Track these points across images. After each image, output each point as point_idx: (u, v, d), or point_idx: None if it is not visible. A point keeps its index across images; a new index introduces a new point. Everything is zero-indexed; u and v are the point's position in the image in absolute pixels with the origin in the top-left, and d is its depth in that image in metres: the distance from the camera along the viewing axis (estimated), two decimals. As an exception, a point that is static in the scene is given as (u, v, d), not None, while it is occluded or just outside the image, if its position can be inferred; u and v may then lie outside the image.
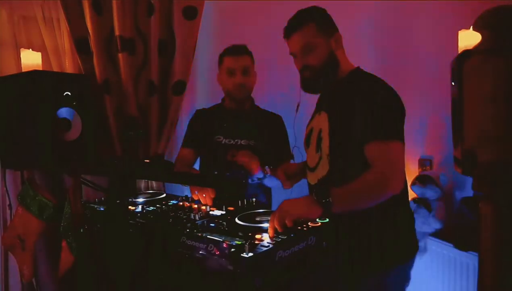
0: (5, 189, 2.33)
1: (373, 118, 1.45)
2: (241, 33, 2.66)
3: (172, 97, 2.51)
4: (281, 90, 2.64)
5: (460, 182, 2.34)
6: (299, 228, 1.37)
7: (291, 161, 2.14)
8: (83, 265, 1.66)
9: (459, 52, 0.94)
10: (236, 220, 1.50)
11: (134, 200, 1.87)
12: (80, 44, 2.32)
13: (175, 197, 1.95)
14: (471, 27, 0.84)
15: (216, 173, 2.07)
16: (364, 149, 1.46)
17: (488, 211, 0.79)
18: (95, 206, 1.77)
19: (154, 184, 2.51)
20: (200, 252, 1.26)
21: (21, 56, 2.26)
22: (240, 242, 1.23)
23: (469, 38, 1.88)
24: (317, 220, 1.43)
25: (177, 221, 1.51)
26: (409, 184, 2.40)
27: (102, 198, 1.90)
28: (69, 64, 2.48)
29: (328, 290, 1.45)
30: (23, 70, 2.22)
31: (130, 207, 1.69)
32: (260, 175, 1.86)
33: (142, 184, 2.53)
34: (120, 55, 2.37)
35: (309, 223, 1.41)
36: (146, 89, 2.48)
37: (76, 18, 2.30)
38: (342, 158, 1.53)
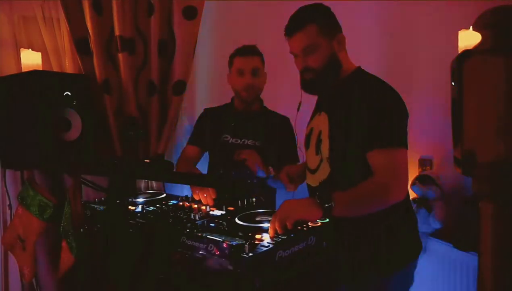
0: (5, 189, 2.33)
1: (377, 125, 1.41)
2: (241, 33, 2.66)
3: (172, 97, 2.51)
4: (282, 89, 2.64)
5: (460, 182, 2.34)
6: (299, 228, 1.37)
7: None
8: (83, 265, 1.66)
9: (459, 52, 0.94)
10: (236, 220, 1.50)
11: (134, 200, 1.87)
12: (80, 44, 2.32)
13: (175, 197, 1.95)
14: (471, 27, 0.84)
15: (221, 172, 2.08)
16: (367, 155, 1.43)
17: (488, 211, 0.79)
18: (95, 206, 1.77)
19: (154, 184, 2.51)
20: (200, 252, 1.26)
21: (21, 56, 2.26)
22: (240, 242, 1.23)
23: (469, 38, 1.89)
24: (317, 220, 1.43)
25: (177, 221, 1.51)
26: (409, 184, 2.39)
27: (102, 198, 1.90)
28: (69, 64, 2.48)
29: (328, 290, 1.45)
30: (23, 70, 2.22)
31: (130, 207, 1.69)
32: (263, 175, 1.86)
33: (142, 184, 2.53)
34: (120, 55, 2.37)
35: (309, 223, 1.41)
36: (146, 89, 2.48)
37: (76, 18, 2.30)
38: (343, 161, 1.50)
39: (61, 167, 2.12)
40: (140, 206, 1.73)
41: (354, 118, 1.46)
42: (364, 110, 1.44)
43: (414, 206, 2.39)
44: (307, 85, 1.61)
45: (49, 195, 2.05)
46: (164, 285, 1.37)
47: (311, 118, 1.74)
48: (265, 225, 1.41)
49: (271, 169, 1.87)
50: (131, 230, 1.51)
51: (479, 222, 0.81)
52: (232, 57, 2.14)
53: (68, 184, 2.11)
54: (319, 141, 1.58)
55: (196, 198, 1.83)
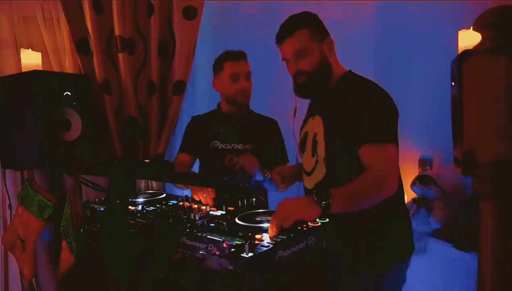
0: (5, 189, 2.33)
1: (367, 122, 1.47)
2: (241, 33, 2.67)
3: (172, 97, 2.51)
4: (282, 91, 2.64)
5: (460, 182, 2.34)
6: (299, 228, 1.37)
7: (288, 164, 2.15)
8: (83, 265, 1.66)
9: (459, 52, 0.94)
10: (236, 220, 1.50)
11: (134, 200, 1.87)
12: (80, 44, 2.32)
13: (175, 197, 1.95)
14: (471, 27, 0.84)
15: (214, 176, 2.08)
16: (359, 151, 1.48)
17: (488, 211, 0.79)
18: (95, 206, 1.77)
19: (154, 184, 2.51)
20: (200, 252, 1.26)
21: (21, 56, 2.26)
22: (240, 242, 1.23)
23: (469, 38, 1.89)
24: (317, 220, 1.43)
25: (177, 221, 1.51)
26: (409, 184, 2.40)
27: (102, 198, 1.90)
28: (69, 64, 2.47)
29: (328, 290, 1.45)
30: (23, 70, 2.22)
31: (130, 207, 1.69)
32: (260, 178, 1.86)
33: (142, 184, 2.53)
34: (120, 55, 2.37)
35: (309, 223, 1.41)
36: (146, 89, 2.48)
37: (76, 18, 2.29)
38: (339, 161, 1.54)
39: (61, 167, 2.12)
40: (140, 206, 1.73)
41: (347, 117, 1.51)
42: (356, 108, 1.50)
43: (414, 206, 2.39)
44: (300, 89, 1.65)
45: (49, 195, 2.05)
46: (164, 285, 1.37)
47: (304, 123, 1.77)
48: (265, 225, 1.41)
49: (268, 171, 1.87)
50: (131, 230, 1.51)
51: (479, 222, 0.82)
52: (221, 61, 2.12)
53: (68, 184, 2.11)
54: (315, 143, 1.62)
55: (196, 198, 1.83)
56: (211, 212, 1.65)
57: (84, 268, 1.67)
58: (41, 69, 2.26)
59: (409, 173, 2.49)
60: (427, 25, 2.46)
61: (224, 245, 1.21)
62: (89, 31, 2.31)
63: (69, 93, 2.13)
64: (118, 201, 1.51)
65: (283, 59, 1.64)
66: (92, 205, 1.80)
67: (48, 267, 2.41)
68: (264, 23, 2.70)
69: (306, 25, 1.58)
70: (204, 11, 2.47)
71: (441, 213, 2.32)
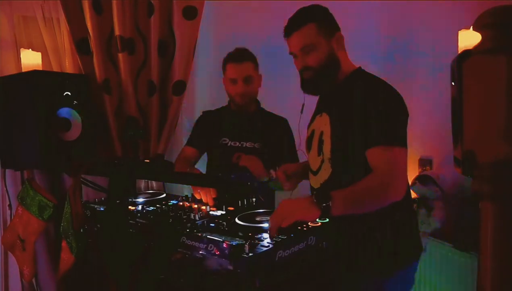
0: (5, 189, 2.33)
1: (377, 123, 1.42)
2: (241, 33, 2.67)
3: (172, 97, 2.51)
4: (283, 91, 2.64)
5: (460, 182, 2.34)
6: (299, 228, 1.37)
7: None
8: (83, 265, 1.66)
9: (459, 52, 0.94)
10: (236, 220, 1.50)
11: (134, 200, 1.87)
12: (80, 44, 2.32)
13: (175, 197, 1.95)
14: (471, 27, 0.84)
15: (220, 174, 2.09)
16: (367, 153, 1.43)
17: (488, 211, 0.79)
18: (95, 206, 1.77)
19: (154, 184, 2.52)
20: (200, 252, 1.26)
21: (21, 56, 2.26)
22: (240, 242, 1.23)
23: (469, 38, 1.88)
24: (317, 220, 1.43)
25: (177, 221, 1.51)
26: (407, 182, 2.39)
27: (102, 198, 1.90)
28: (69, 64, 2.48)
29: (328, 290, 1.45)
30: (23, 70, 2.22)
31: (130, 207, 1.69)
32: (265, 179, 1.86)
33: (142, 184, 2.53)
34: (120, 55, 2.37)
35: (309, 223, 1.41)
36: (146, 89, 2.48)
37: (76, 18, 2.30)
38: (345, 161, 1.50)
39: (61, 167, 2.12)
40: (140, 206, 1.73)
41: (356, 117, 1.46)
42: (366, 109, 1.44)
43: (414, 206, 2.39)
44: (306, 85, 1.61)
45: (49, 195, 2.05)
46: (164, 285, 1.37)
47: (312, 120, 1.73)
48: (265, 225, 1.41)
49: (272, 171, 1.87)
50: (131, 230, 1.51)
51: (479, 222, 0.81)
52: (225, 62, 2.13)
53: (68, 184, 2.11)
54: (321, 142, 1.58)
55: (198, 197, 1.83)
56: (211, 212, 1.65)
57: (84, 268, 1.67)
58: (41, 69, 2.26)
59: (409, 173, 2.49)
60: (427, 25, 2.46)
61: (224, 245, 1.21)
62: (89, 31, 2.31)
63: (69, 93, 2.13)
64: (118, 201, 1.51)
65: (291, 53, 1.59)
66: (92, 205, 1.80)
67: (48, 267, 2.41)
68: (265, 23, 2.70)
69: (314, 19, 1.52)
70: (204, 11, 2.47)
71: (441, 213, 2.32)
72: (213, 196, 1.81)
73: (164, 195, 2.01)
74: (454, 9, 2.26)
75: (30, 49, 2.29)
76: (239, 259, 1.16)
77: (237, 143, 2.14)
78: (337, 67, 1.57)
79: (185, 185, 2.51)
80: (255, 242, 1.25)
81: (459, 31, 1.94)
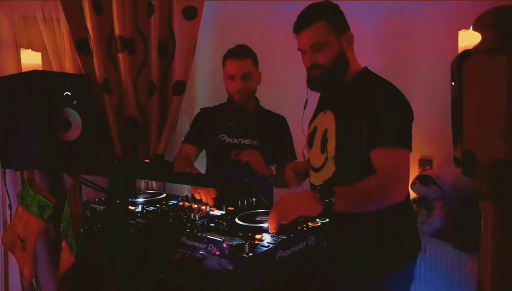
0: (5, 189, 2.33)
1: (383, 124, 1.42)
2: (241, 33, 2.66)
3: (172, 97, 2.51)
4: (283, 89, 2.64)
5: (460, 182, 2.34)
6: (299, 228, 1.37)
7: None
8: (83, 265, 1.66)
9: (459, 52, 0.94)
10: (236, 220, 1.50)
11: (134, 200, 1.87)
12: (80, 44, 2.32)
13: (175, 197, 1.95)
14: (471, 27, 0.84)
15: (219, 171, 2.09)
16: (371, 153, 1.43)
17: (488, 211, 0.79)
18: (95, 206, 1.77)
19: (154, 184, 2.51)
20: (200, 252, 1.26)
21: (21, 56, 2.26)
22: (240, 242, 1.23)
23: (469, 38, 1.89)
24: (317, 220, 1.43)
25: (177, 221, 1.51)
26: (409, 184, 2.39)
27: (102, 198, 1.90)
28: (69, 64, 2.48)
29: (328, 290, 1.45)
30: (23, 70, 2.22)
31: (130, 207, 1.69)
32: (265, 174, 1.86)
33: (142, 184, 2.53)
34: (120, 55, 2.37)
35: (309, 223, 1.41)
36: (146, 89, 2.48)
37: (76, 18, 2.30)
38: (349, 160, 1.50)
39: (61, 167, 2.12)
40: (140, 206, 1.73)
41: (362, 117, 1.46)
42: (373, 110, 1.44)
43: (414, 206, 2.39)
44: (314, 82, 1.59)
45: (49, 195, 2.05)
46: (164, 285, 1.37)
47: (314, 117, 1.72)
48: (265, 225, 1.41)
49: (273, 167, 1.87)
50: (131, 230, 1.51)
51: (479, 222, 0.82)
52: (224, 58, 2.13)
53: (68, 184, 2.11)
54: (325, 139, 1.57)
55: (197, 197, 1.83)
56: (211, 212, 1.65)
57: (84, 268, 1.67)
58: (41, 69, 2.27)
59: (409, 173, 2.49)
60: (427, 25, 2.46)
61: (224, 245, 1.21)
62: (89, 31, 2.31)
63: (69, 93, 2.13)
64: (118, 201, 1.51)
65: (299, 49, 1.58)
66: (92, 205, 1.80)
67: (48, 267, 2.41)
68: (265, 23, 2.70)
69: (326, 16, 1.51)
70: (204, 11, 2.48)
71: (441, 213, 2.32)
72: (213, 196, 1.81)
73: (164, 195, 2.01)
74: (454, 9, 2.26)
75: (30, 49, 2.29)
76: (239, 259, 1.16)
77: (235, 140, 2.14)
78: (346, 66, 1.56)
79: (185, 185, 2.51)
80: (255, 242, 1.25)
81: (459, 31, 1.94)
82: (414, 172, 2.51)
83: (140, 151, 2.50)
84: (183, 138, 2.33)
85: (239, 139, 2.14)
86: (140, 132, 2.45)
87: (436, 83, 2.12)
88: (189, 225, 1.45)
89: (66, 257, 1.69)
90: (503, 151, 0.76)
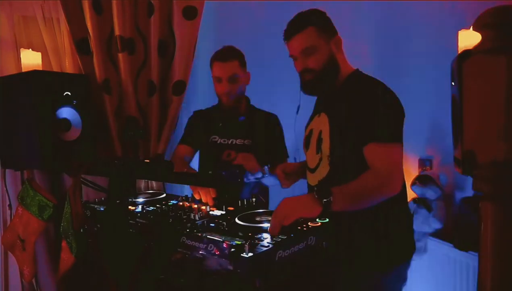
0: (5, 189, 2.33)
1: (373, 120, 1.46)
2: (241, 33, 2.67)
3: (172, 97, 2.51)
4: (281, 91, 2.64)
5: (460, 182, 2.35)
6: (299, 228, 1.37)
7: (287, 160, 2.16)
8: (83, 265, 1.66)
9: (459, 52, 0.94)
10: (236, 220, 1.50)
11: (134, 200, 1.87)
12: (80, 44, 2.32)
13: (175, 197, 1.95)
14: (471, 27, 0.84)
15: (210, 172, 2.08)
16: (364, 149, 1.47)
17: (488, 211, 0.79)
18: (95, 206, 1.77)
19: (154, 184, 2.51)
20: (200, 252, 1.26)
21: (21, 56, 2.26)
22: (240, 242, 1.23)
23: (469, 38, 1.88)
24: (317, 220, 1.43)
25: (177, 221, 1.51)
26: (409, 184, 2.40)
27: (102, 198, 1.90)
28: (69, 64, 2.47)
29: (328, 290, 1.45)
30: (23, 70, 2.22)
31: (130, 207, 1.69)
32: (259, 175, 1.86)
33: (142, 184, 2.53)
34: (120, 55, 2.37)
35: (309, 223, 1.41)
36: (146, 89, 2.48)
37: (76, 18, 2.29)
38: (343, 159, 1.54)
39: (61, 167, 2.12)
40: (140, 206, 1.73)
41: (354, 116, 1.50)
42: (363, 107, 1.49)
43: (414, 206, 2.39)
44: (307, 86, 1.64)
45: (49, 195, 2.05)
46: (164, 285, 1.37)
47: (310, 120, 1.77)
48: (265, 225, 1.41)
49: (265, 167, 1.87)
50: (131, 230, 1.51)
51: (479, 222, 0.82)
52: (211, 61, 2.13)
53: (68, 184, 2.11)
54: (319, 140, 1.61)
55: (197, 197, 1.83)
56: (211, 212, 1.65)
57: (84, 268, 1.67)
58: (41, 69, 2.26)
59: (409, 173, 2.49)
60: (427, 25, 2.46)
61: (224, 245, 1.21)
62: (89, 31, 2.31)
63: (69, 93, 2.13)
64: (118, 201, 1.51)
65: (291, 56, 1.64)
66: (92, 205, 1.80)
67: (48, 267, 2.41)
68: (264, 23, 2.71)
69: (314, 22, 1.58)
70: (204, 11, 2.47)
71: (441, 213, 2.32)
72: (213, 196, 1.81)
73: (164, 195, 2.01)
74: (454, 9, 2.26)
75: (30, 49, 2.28)
76: (239, 259, 1.16)
77: (227, 140, 2.15)
78: (337, 69, 1.61)
79: (185, 185, 2.51)
80: (255, 242, 1.25)
81: (459, 31, 1.94)
82: (414, 172, 2.51)
83: (140, 151, 2.50)
84: (181, 137, 2.34)
85: (231, 140, 2.14)
86: (140, 132, 2.45)
87: (435, 83, 2.12)
88: (189, 225, 1.45)
89: (66, 257, 1.69)
90: (503, 151, 0.76)
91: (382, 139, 1.45)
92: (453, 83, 0.86)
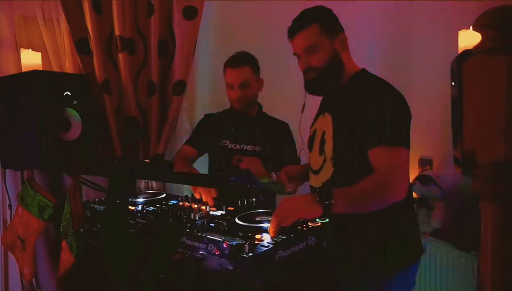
0: (5, 189, 2.33)
1: (380, 123, 1.42)
2: (241, 33, 2.67)
3: (172, 97, 2.51)
4: (283, 91, 2.64)
5: (460, 182, 2.34)
6: (299, 228, 1.37)
7: None
8: (83, 265, 1.66)
9: (459, 52, 0.94)
10: (236, 220, 1.50)
11: (134, 200, 1.87)
12: (80, 44, 2.32)
13: (175, 197, 1.95)
14: (471, 27, 0.84)
15: (219, 174, 2.09)
16: (369, 153, 1.43)
17: (488, 211, 0.79)
18: (95, 206, 1.77)
19: (154, 184, 2.52)
20: (200, 252, 1.26)
21: (21, 56, 2.26)
22: (240, 242, 1.23)
23: (469, 38, 1.89)
24: (317, 220, 1.43)
25: (177, 221, 1.51)
26: (409, 183, 2.39)
27: (102, 198, 1.90)
28: (69, 64, 2.48)
29: (328, 290, 1.45)
30: (23, 70, 2.22)
31: (130, 207, 1.69)
32: (266, 181, 1.85)
33: (142, 184, 2.53)
34: (120, 55, 2.37)
35: (309, 223, 1.41)
36: (146, 89, 2.48)
37: (76, 18, 2.30)
38: (346, 161, 1.51)
39: (61, 167, 2.12)
40: (140, 206, 1.73)
41: (359, 117, 1.46)
42: (369, 109, 1.45)
43: (414, 206, 2.39)
44: (310, 85, 1.61)
45: (49, 195, 2.05)
46: (164, 285, 1.37)
47: (314, 120, 1.74)
48: (265, 225, 1.41)
49: (273, 173, 1.86)
50: (131, 230, 1.51)
51: (479, 222, 0.81)
52: (224, 67, 2.14)
53: (68, 184, 2.11)
54: (322, 141, 1.59)
55: (198, 196, 1.83)
56: (211, 212, 1.65)
57: (84, 268, 1.67)
58: (41, 69, 2.26)
59: (409, 173, 2.49)
60: (427, 25, 2.46)
61: (224, 245, 1.21)
62: (89, 31, 2.31)
63: (69, 93, 2.14)
64: (118, 201, 1.51)
65: (294, 54, 1.61)
66: (92, 205, 1.80)
67: (48, 267, 2.41)
68: (264, 23, 2.70)
69: (317, 19, 1.54)
70: (204, 11, 2.48)
71: (441, 213, 2.32)
72: (214, 196, 1.81)
73: (164, 195, 2.01)
74: (454, 9, 2.26)
75: (30, 49, 2.29)
76: (239, 259, 1.16)
77: (238, 146, 2.15)
78: (341, 68, 1.58)
79: (185, 185, 2.51)
80: (255, 242, 1.25)
81: (459, 31, 1.94)
82: (414, 172, 2.51)
83: (140, 151, 2.50)
84: (183, 139, 2.34)
85: (242, 145, 2.15)
86: (140, 132, 2.45)
87: (436, 83, 2.12)
88: (189, 225, 1.45)
89: (66, 257, 1.69)
90: (503, 151, 0.75)
91: (387, 143, 1.41)
92: (453, 83, 0.86)
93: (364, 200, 1.39)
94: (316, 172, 1.63)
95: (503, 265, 0.79)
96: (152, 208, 1.71)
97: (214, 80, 2.42)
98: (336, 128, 1.54)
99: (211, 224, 1.46)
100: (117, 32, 2.35)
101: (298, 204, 1.37)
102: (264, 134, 2.16)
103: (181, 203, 1.78)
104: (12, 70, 2.36)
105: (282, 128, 2.21)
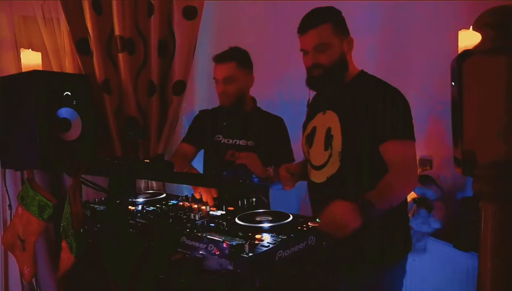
0: (5, 189, 2.33)
1: (391, 118, 1.50)
2: (241, 33, 2.67)
3: (172, 97, 2.51)
4: (281, 89, 2.64)
5: (460, 182, 2.34)
6: (299, 228, 1.37)
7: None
8: (83, 265, 1.66)
9: (459, 52, 0.94)
10: (236, 220, 1.50)
11: (134, 200, 1.87)
12: (80, 44, 2.32)
13: (175, 197, 1.95)
14: (471, 27, 0.84)
15: (213, 172, 2.09)
16: (381, 147, 1.50)
17: (488, 211, 0.79)
18: (95, 206, 1.77)
19: (154, 184, 2.52)
20: (200, 252, 1.26)
21: (21, 56, 2.26)
22: (240, 242, 1.23)
23: (469, 38, 1.89)
24: (317, 219, 1.43)
25: (177, 221, 1.51)
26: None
27: (102, 198, 1.90)
28: (69, 64, 2.47)
29: (328, 290, 1.45)
30: (23, 70, 2.22)
31: (130, 207, 1.69)
32: (262, 176, 1.86)
33: (142, 184, 2.53)
34: (120, 55, 2.37)
35: (309, 223, 1.41)
36: (146, 89, 2.48)
37: (76, 18, 2.29)
38: (355, 156, 1.56)
39: (61, 167, 2.12)
40: (140, 206, 1.73)
41: (367, 114, 1.53)
42: (376, 106, 1.52)
43: (414, 206, 2.39)
44: (313, 81, 1.65)
45: (49, 195, 2.04)
46: (164, 285, 1.37)
47: (310, 118, 1.77)
48: (265, 225, 1.41)
49: (270, 169, 1.87)
50: (131, 230, 1.51)
51: (479, 222, 0.81)
52: (214, 62, 2.17)
53: (68, 184, 2.11)
54: (329, 137, 1.63)
55: (198, 196, 1.83)
56: (211, 212, 1.65)
57: (84, 268, 1.67)
58: (41, 69, 2.26)
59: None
60: (427, 25, 2.46)
61: (224, 245, 1.21)
62: (89, 31, 2.31)
63: (69, 93, 2.13)
64: (118, 201, 1.51)
65: (302, 50, 1.64)
66: (92, 205, 1.80)
67: (48, 267, 2.41)
68: (264, 23, 2.70)
69: (330, 19, 1.60)
70: (204, 11, 2.47)
71: (441, 213, 2.32)
72: (214, 196, 1.81)
73: (164, 195, 2.01)
74: (454, 9, 2.26)
75: (30, 49, 2.29)
76: (239, 259, 1.16)
77: (230, 140, 2.15)
78: (345, 68, 1.64)
79: (185, 185, 2.51)
80: (255, 242, 1.25)
81: (459, 31, 1.94)
82: (414, 172, 2.51)
83: (140, 151, 2.50)
84: (184, 136, 2.34)
85: (234, 140, 2.15)
86: (140, 132, 2.45)
87: (435, 83, 2.12)
88: (189, 225, 1.45)
89: (66, 257, 1.69)
90: (503, 151, 0.76)
91: (401, 137, 1.50)
92: (453, 83, 0.86)
93: (391, 197, 1.46)
94: (319, 168, 1.67)
95: (503, 265, 0.79)
96: (152, 208, 1.71)
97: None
98: (344, 125, 1.59)
99: (211, 224, 1.47)
100: (117, 32, 2.35)
101: (348, 214, 1.33)
102: (257, 129, 2.16)
103: (181, 203, 1.78)
104: (12, 70, 2.36)
105: (276, 123, 2.21)
